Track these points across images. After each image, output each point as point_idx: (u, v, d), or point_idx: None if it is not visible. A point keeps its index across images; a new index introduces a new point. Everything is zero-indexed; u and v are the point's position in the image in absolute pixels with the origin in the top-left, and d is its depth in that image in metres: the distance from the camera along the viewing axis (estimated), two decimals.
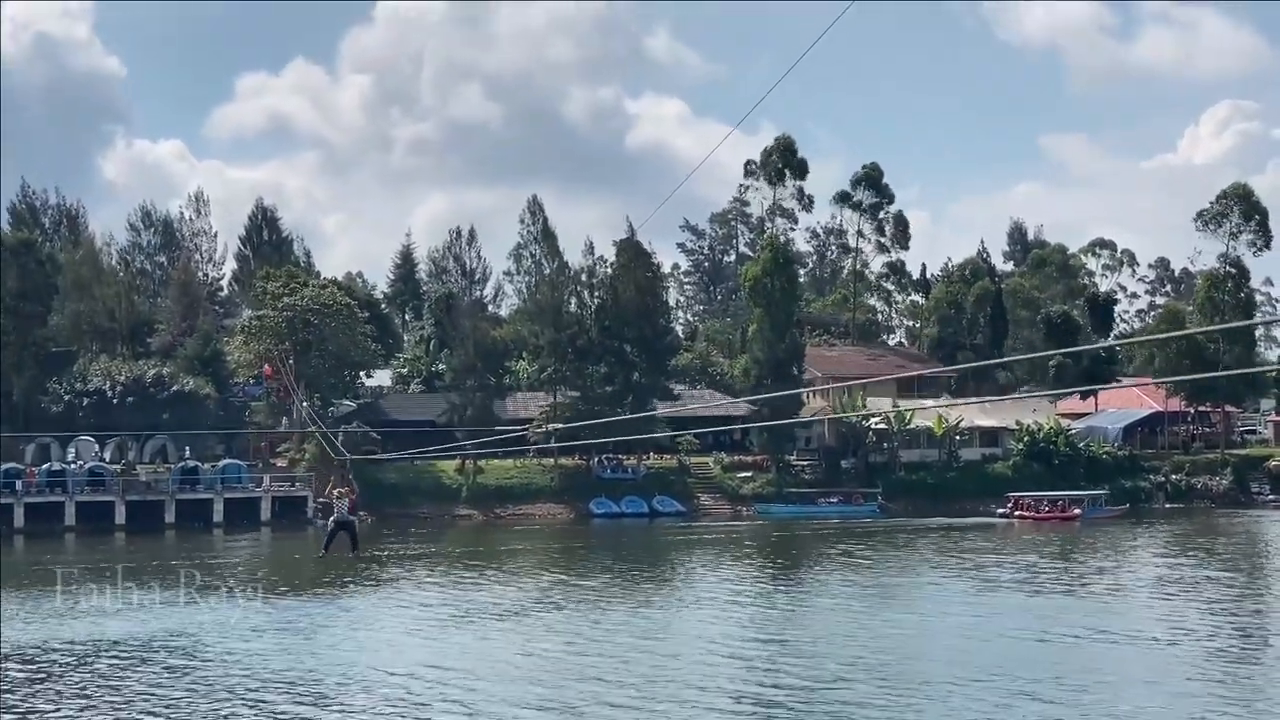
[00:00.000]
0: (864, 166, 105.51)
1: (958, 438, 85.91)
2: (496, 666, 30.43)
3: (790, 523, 72.84)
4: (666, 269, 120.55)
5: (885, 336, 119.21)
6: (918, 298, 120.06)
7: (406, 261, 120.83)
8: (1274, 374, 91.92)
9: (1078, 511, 73.63)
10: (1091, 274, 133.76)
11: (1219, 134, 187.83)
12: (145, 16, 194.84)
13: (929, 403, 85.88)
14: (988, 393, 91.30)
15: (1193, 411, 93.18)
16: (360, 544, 34.62)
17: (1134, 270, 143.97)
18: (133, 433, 74.96)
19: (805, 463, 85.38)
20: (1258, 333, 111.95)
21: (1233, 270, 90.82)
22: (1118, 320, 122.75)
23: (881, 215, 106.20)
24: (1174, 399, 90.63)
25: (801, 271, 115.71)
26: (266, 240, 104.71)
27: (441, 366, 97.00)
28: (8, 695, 27.37)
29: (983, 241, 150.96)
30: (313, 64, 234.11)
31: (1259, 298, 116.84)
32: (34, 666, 30.43)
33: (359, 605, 41.10)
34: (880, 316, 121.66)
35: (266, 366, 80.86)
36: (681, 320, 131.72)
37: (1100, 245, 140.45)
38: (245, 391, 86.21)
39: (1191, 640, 33.71)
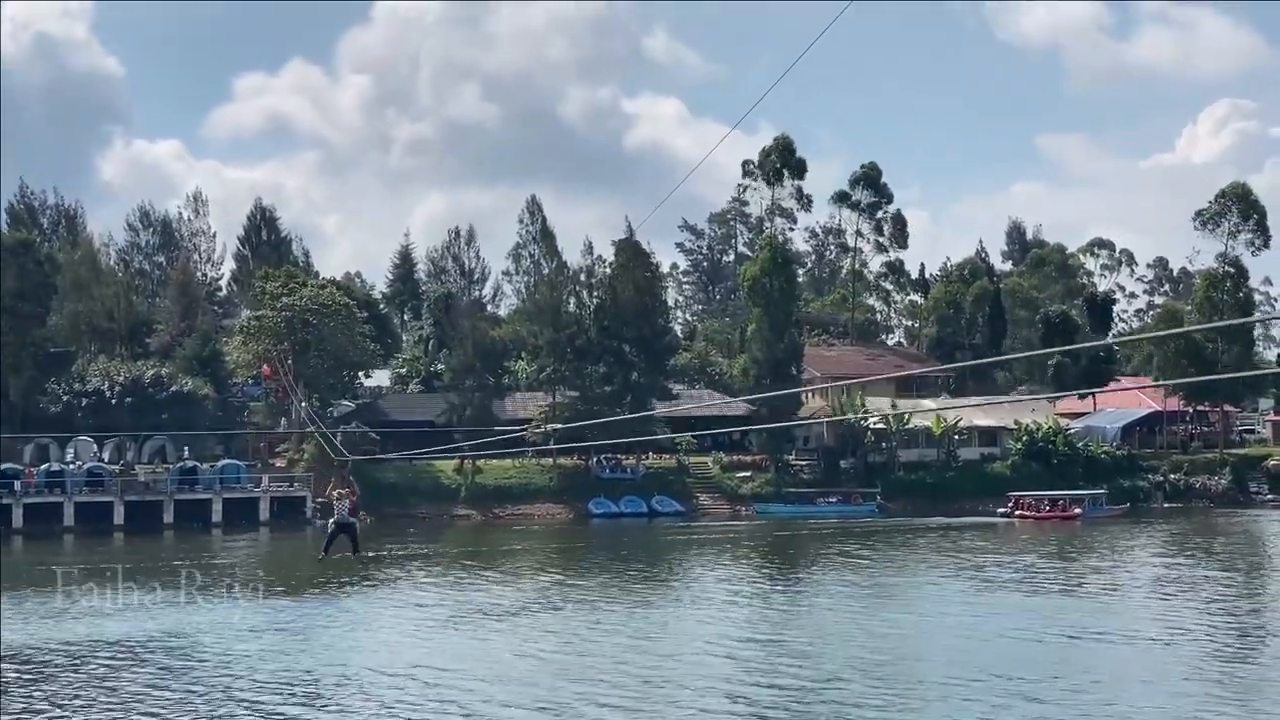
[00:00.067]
0: (862, 166, 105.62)
1: (956, 437, 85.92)
2: (494, 667, 30.42)
3: (789, 523, 72.84)
4: (665, 269, 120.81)
5: (884, 336, 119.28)
6: (916, 297, 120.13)
7: (405, 261, 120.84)
8: (1272, 374, 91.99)
9: (1078, 511, 73.66)
10: (1090, 274, 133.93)
11: (1217, 133, 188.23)
12: (144, 17, 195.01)
13: (928, 403, 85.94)
14: (986, 392, 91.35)
15: (1191, 411, 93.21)
16: (360, 545, 34.46)
17: (1132, 270, 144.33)
18: (132, 434, 74.87)
19: (804, 463, 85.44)
20: (1256, 332, 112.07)
21: (1231, 269, 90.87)
22: (1116, 320, 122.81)
23: (880, 215, 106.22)
24: (1172, 399, 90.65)
25: (800, 271, 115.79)
26: (265, 240, 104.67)
27: (440, 366, 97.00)
28: (8, 695, 27.36)
29: (981, 241, 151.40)
30: (311, 64, 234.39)
31: (1257, 297, 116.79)
32: (34, 667, 30.41)
33: (357, 605, 41.08)
34: (879, 316, 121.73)
35: (265, 367, 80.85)
36: (680, 320, 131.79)
37: (1099, 245, 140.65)
38: (244, 392, 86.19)
39: (1189, 640, 33.72)
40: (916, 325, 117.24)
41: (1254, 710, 26.18)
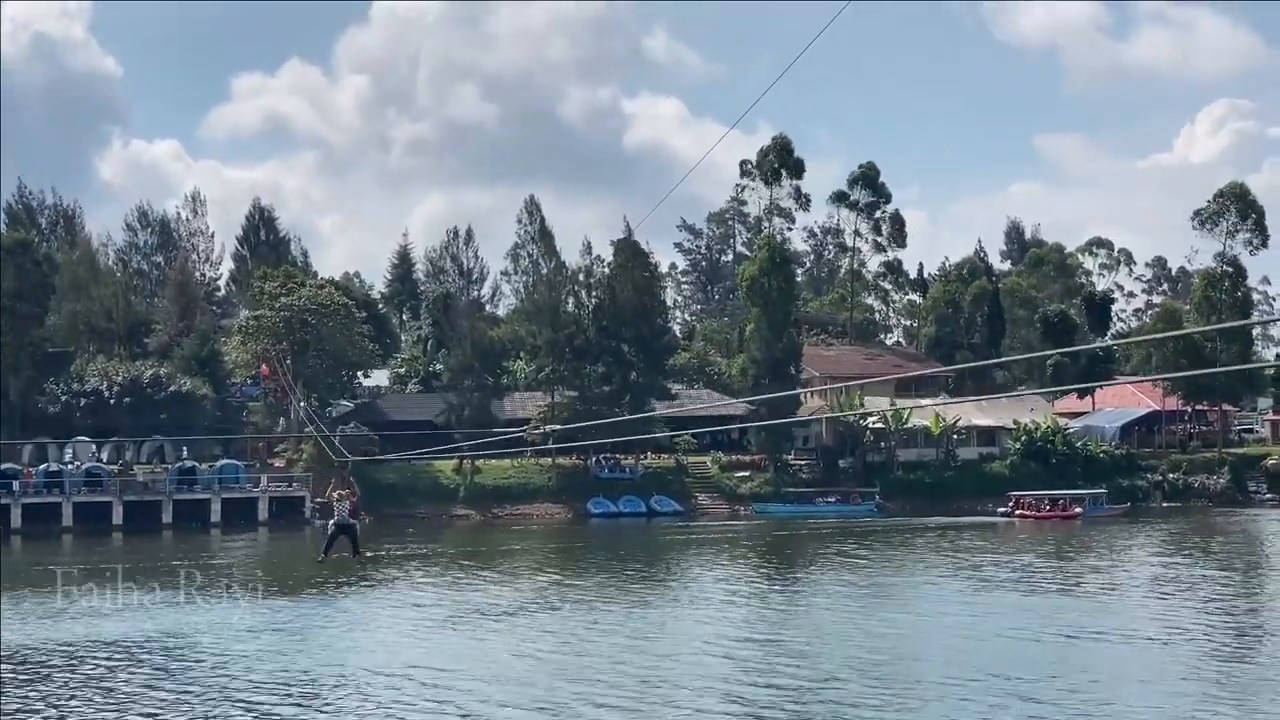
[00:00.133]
0: (860, 166, 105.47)
1: (955, 437, 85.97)
2: (492, 667, 30.44)
3: (788, 522, 72.85)
4: (664, 269, 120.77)
5: (883, 336, 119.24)
6: (915, 297, 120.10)
7: (404, 261, 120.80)
8: (1271, 372, 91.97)
9: (1079, 510, 73.69)
10: (1089, 273, 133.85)
11: (1215, 133, 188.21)
12: (142, 17, 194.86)
13: (926, 402, 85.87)
14: (985, 392, 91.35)
15: (1190, 410, 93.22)
16: (360, 546, 34.30)
17: (1131, 269, 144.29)
18: (132, 439, 74.84)
19: (803, 462, 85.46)
20: (1255, 332, 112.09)
21: (1229, 269, 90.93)
22: (1115, 319, 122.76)
23: (878, 215, 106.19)
24: (1171, 398, 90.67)
25: (799, 271, 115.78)
26: (264, 240, 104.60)
27: (439, 366, 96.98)
28: (8, 696, 27.36)
29: (980, 241, 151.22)
30: (309, 64, 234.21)
31: (1256, 296, 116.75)
32: (34, 667, 30.41)
33: (355, 606, 41.09)
34: (878, 316, 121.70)
35: (264, 366, 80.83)
36: (679, 320, 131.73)
37: (1097, 244, 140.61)
38: (243, 392, 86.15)
39: (1187, 639, 33.74)
40: (915, 325, 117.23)
41: (1251, 710, 26.21)
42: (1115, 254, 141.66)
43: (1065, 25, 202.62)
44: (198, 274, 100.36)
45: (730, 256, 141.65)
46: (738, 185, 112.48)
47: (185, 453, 75.15)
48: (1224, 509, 79.46)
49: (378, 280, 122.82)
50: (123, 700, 27.13)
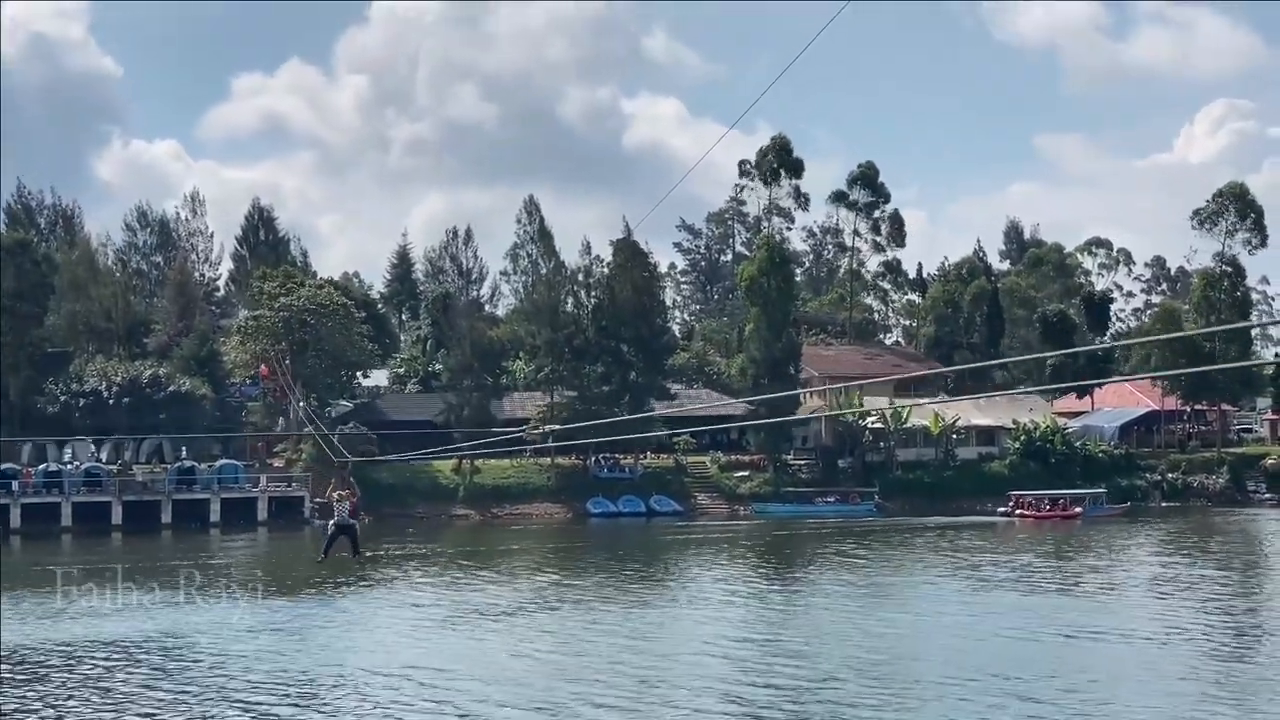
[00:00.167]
0: (859, 165, 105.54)
1: (954, 437, 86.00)
2: (490, 667, 30.44)
3: (787, 522, 72.87)
4: (663, 268, 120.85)
5: (882, 336, 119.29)
6: (914, 297, 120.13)
7: (403, 261, 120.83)
8: (1270, 372, 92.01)
9: (1079, 510, 73.73)
10: (1088, 273, 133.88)
11: (1214, 132, 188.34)
12: (141, 17, 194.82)
13: (925, 401, 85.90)
14: (984, 392, 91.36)
15: (1189, 410, 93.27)
16: (361, 547, 34.11)
17: (1130, 269, 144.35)
18: (131, 437, 74.83)
19: (802, 462, 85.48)
20: (1254, 332, 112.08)
21: (1229, 269, 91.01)
22: (1114, 319, 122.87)
23: (877, 214, 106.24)
24: (1170, 397, 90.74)
25: (798, 271, 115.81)
26: (263, 240, 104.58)
27: (438, 366, 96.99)
28: (7, 696, 27.36)
29: (979, 241, 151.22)
30: (308, 64, 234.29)
31: (1255, 296, 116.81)
32: (32, 667, 30.42)
33: (354, 606, 41.10)
34: (877, 315, 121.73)
35: (263, 366, 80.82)
36: (678, 320, 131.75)
37: (1096, 244, 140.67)
38: (242, 392, 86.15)
39: (1185, 639, 33.76)
40: (914, 324, 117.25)
41: (1249, 709, 26.21)
42: (1114, 254, 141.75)
43: (1064, 25, 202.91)
44: (197, 274, 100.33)
45: (729, 256, 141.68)
46: (737, 185, 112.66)
47: (184, 453, 75.16)
48: (1223, 509, 79.51)
49: (377, 280, 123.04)
50: (121, 700, 27.13)
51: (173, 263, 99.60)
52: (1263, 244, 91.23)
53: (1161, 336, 68.59)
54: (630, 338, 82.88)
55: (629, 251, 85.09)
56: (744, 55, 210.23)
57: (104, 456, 74.29)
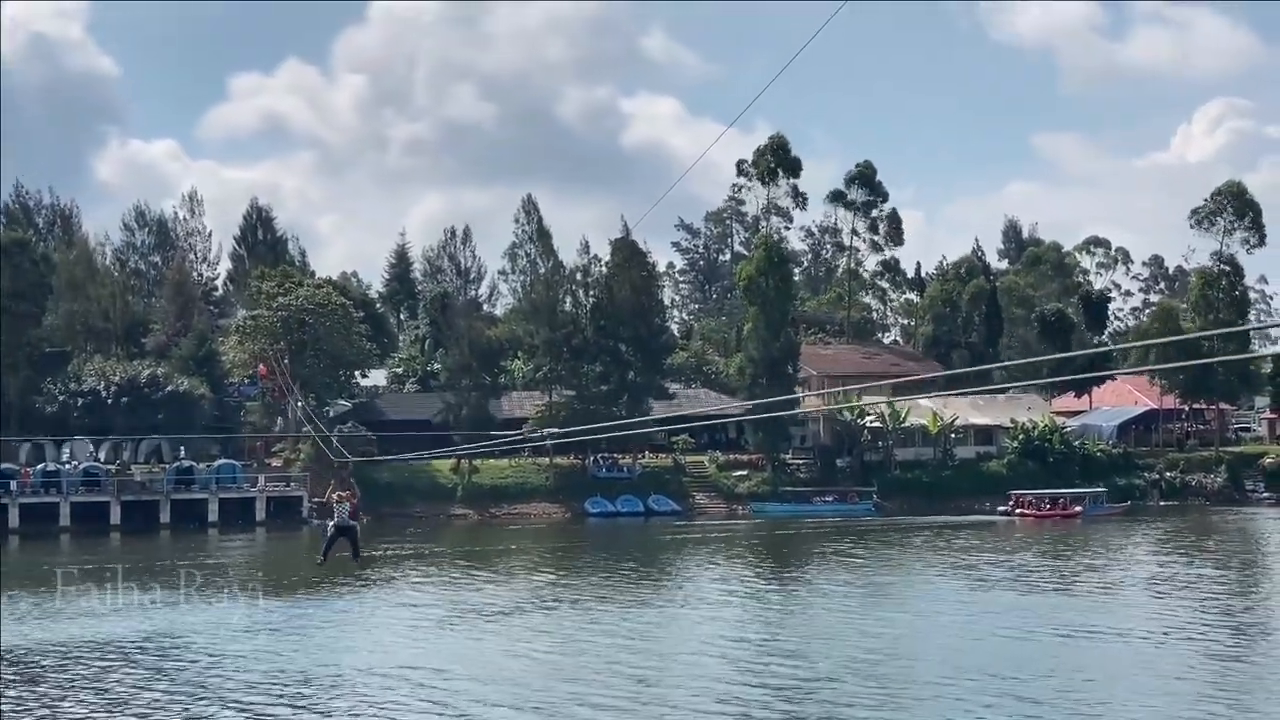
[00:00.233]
0: (857, 165, 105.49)
1: (953, 436, 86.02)
2: (488, 667, 30.46)
3: (786, 521, 72.89)
4: (662, 268, 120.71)
5: (880, 335, 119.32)
6: (912, 296, 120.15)
7: (401, 261, 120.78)
8: (1268, 371, 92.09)
9: (1079, 509, 73.78)
10: (1086, 272, 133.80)
11: (1212, 132, 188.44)
12: (140, 17, 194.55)
13: (924, 400, 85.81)
14: (982, 390, 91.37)
15: (1187, 409, 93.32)
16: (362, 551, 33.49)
17: (1128, 268, 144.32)
18: (130, 438, 74.81)
19: (800, 461, 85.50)
20: (1252, 332, 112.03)
21: (1226, 268, 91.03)
22: (1112, 318, 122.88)
23: (875, 214, 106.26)
24: (1168, 396, 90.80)
25: (796, 270, 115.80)
26: (261, 240, 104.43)
27: (437, 366, 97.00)
28: (6, 696, 27.36)
29: (977, 240, 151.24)
30: (307, 64, 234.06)
31: (1253, 295, 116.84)
32: (32, 667, 30.43)
33: (352, 606, 41.13)
34: (875, 315, 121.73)
35: (261, 366, 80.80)
36: (677, 319, 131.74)
37: (1095, 243, 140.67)
38: (240, 391, 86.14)
39: (1182, 638, 33.81)
40: (912, 324, 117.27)
41: (1246, 708, 26.25)
42: (1112, 253, 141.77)
43: (1061, 25, 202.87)
44: (195, 274, 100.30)
45: (728, 256, 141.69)
46: (735, 185, 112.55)
47: (183, 452, 75.12)
48: (1221, 507, 79.58)
49: (375, 280, 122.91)
50: (118, 700, 27.17)
51: (171, 262, 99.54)
52: (1261, 243, 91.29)
53: (1159, 341, 68.63)
54: (629, 337, 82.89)
55: (627, 251, 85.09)
56: (742, 55, 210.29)
57: (102, 456, 74.25)
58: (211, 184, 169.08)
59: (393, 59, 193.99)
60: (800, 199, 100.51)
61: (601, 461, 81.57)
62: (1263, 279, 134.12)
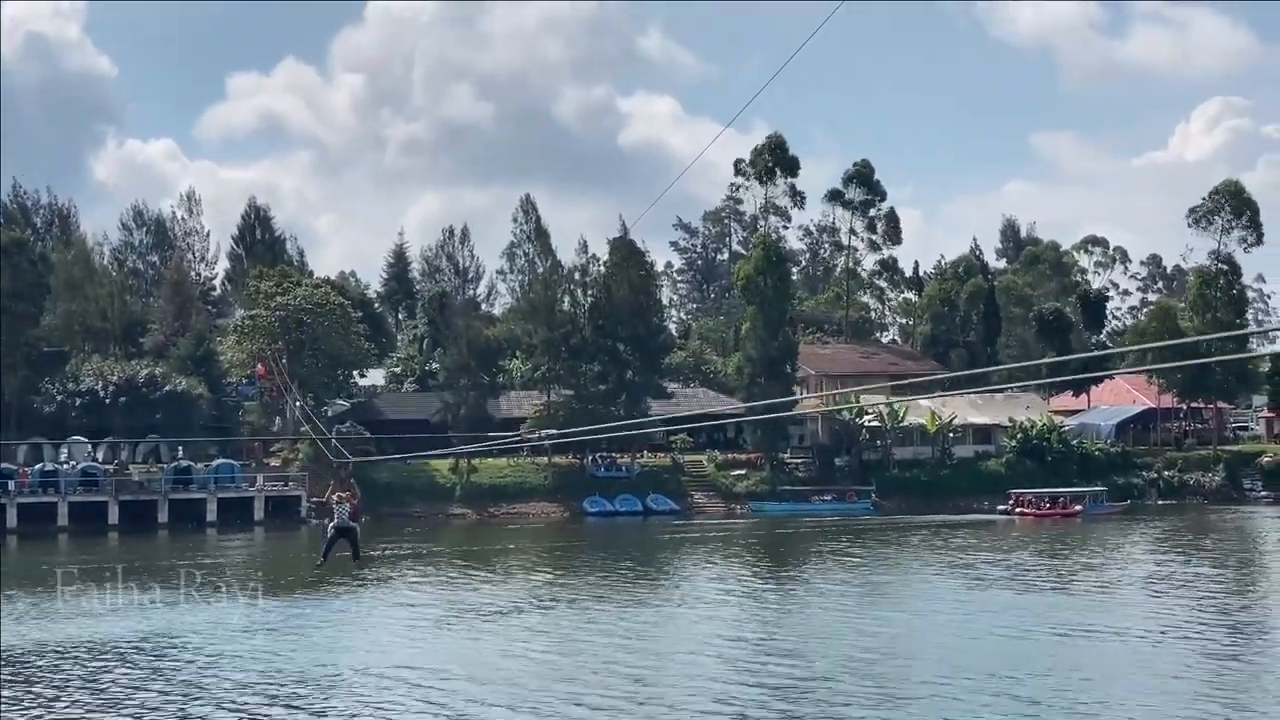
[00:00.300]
0: (855, 164, 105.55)
1: (951, 435, 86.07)
2: (485, 667, 30.46)
3: (784, 521, 72.92)
4: (660, 267, 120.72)
5: (878, 334, 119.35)
6: (911, 295, 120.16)
7: (399, 261, 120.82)
8: (1266, 370, 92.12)
9: (1079, 508, 73.84)
10: (1084, 271, 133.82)
11: (1209, 131, 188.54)
12: (137, 16, 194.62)
13: (923, 399, 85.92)
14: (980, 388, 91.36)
15: (1185, 408, 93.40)
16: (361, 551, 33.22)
17: (1126, 267, 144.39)
18: (128, 440, 74.76)
19: (799, 460, 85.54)
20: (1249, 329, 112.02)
21: (1224, 266, 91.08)
22: (1110, 317, 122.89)
23: (873, 213, 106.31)
24: (1166, 395, 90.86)
25: (794, 269, 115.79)
26: (259, 240, 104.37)
27: (435, 365, 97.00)
28: (6, 696, 27.40)
29: (975, 239, 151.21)
30: (304, 64, 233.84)
31: (1250, 294, 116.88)
32: (34, 667, 30.43)
33: (350, 606, 41.13)
34: (873, 314, 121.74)
35: (259, 366, 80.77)
36: (675, 318, 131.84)
37: (1093, 242, 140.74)
38: (238, 391, 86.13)
39: (1179, 637, 33.84)
40: (911, 323, 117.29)
41: (1243, 707, 26.27)
42: (1110, 252, 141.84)
43: (1059, 24, 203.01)
44: (193, 273, 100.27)
45: (726, 255, 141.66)
46: (732, 184, 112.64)
47: (181, 452, 75.08)
48: (1219, 506, 79.64)
49: (373, 279, 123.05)
50: (115, 700, 27.17)
51: (169, 262, 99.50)
52: (1258, 241, 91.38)
53: (1158, 344, 68.84)
54: (627, 336, 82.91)
55: (625, 250, 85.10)
56: (739, 54, 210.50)
57: (100, 456, 74.21)
58: (209, 184, 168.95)
59: (390, 59, 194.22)
60: (798, 198, 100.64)
61: (600, 461, 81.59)
62: (1260, 278, 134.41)
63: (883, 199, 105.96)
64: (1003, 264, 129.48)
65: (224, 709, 26.38)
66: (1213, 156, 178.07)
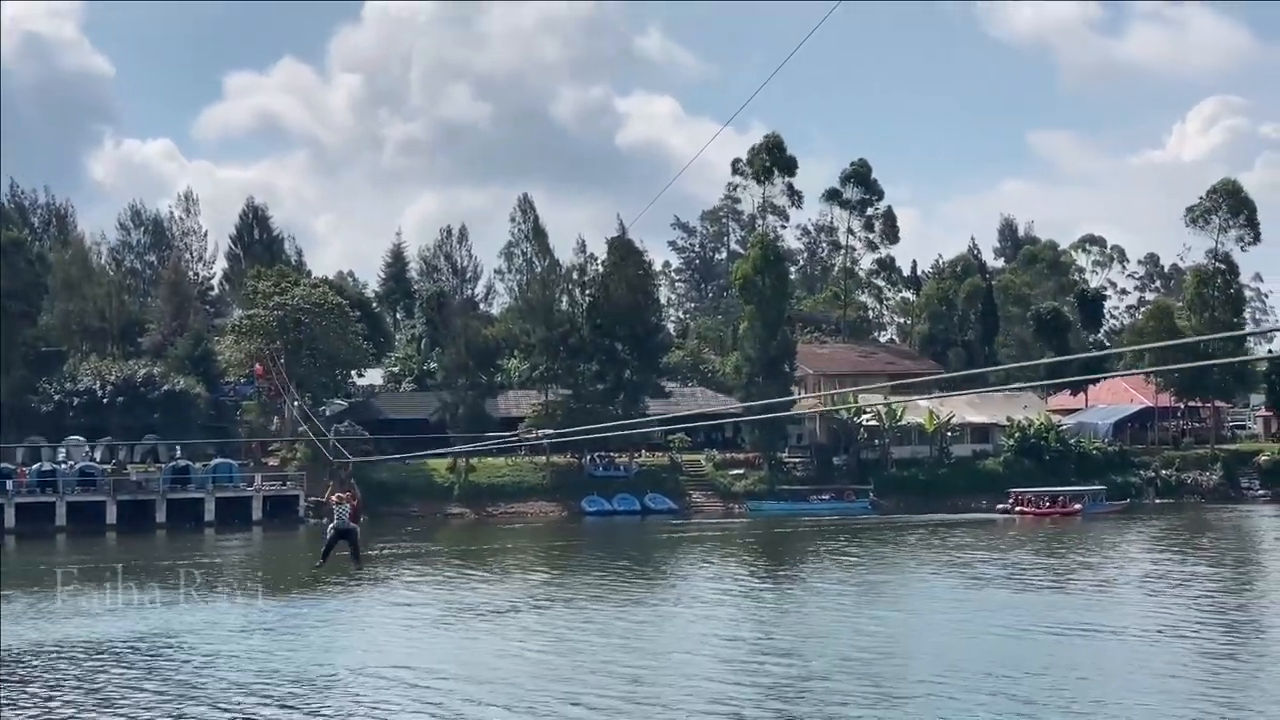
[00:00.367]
0: (852, 163, 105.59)
1: (949, 434, 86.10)
2: (482, 667, 30.48)
3: (782, 520, 72.94)
4: (658, 267, 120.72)
5: (876, 333, 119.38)
6: (909, 294, 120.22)
7: (397, 260, 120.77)
8: (1263, 369, 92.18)
9: (1078, 507, 73.88)
10: (1081, 270, 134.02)
11: (1207, 130, 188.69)
12: (134, 16, 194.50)
13: (922, 399, 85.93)
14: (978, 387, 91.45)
15: (1182, 407, 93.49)
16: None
17: (1124, 266, 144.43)
18: (126, 440, 74.73)
19: (797, 460, 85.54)
20: (1246, 328, 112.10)
21: (1221, 266, 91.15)
22: (1107, 316, 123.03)
23: (870, 212, 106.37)
24: (1164, 394, 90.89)
25: (792, 269, 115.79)
26: (257, 239, 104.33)
27: (433, 365, 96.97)
28: (5, 696, 27.41)
29: (973, 238, 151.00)
30: (302, 63, 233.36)
31: (1248, 293, 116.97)
32: (34, 667, 30.43)
33: (348, 606, 41.12)
34: (871, 313, 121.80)
35: (257, 366, 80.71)
36: (673, 318, 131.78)
37: (1090, 241, 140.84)
38: (236, 391, 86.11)
39: (1176, 636, 33.86)
40: (909, 322, 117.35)
41: (1239, 705, 26.30)
42: (1108, 251, 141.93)
43: (1057, 23, 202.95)
44: (191, 273, 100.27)
45: (724, 254, 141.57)
46: (730, 184, 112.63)
47: (179, 452, 75.05)
48: (1216, 505, 79.70)
49: (371, 279, 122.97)
50: (112, 700, 27.17)
51: (167, 262, 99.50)
52: (1255, 241, 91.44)
53: (1156, 345, 68.99)
54: (625, 336, 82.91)
55: (623, 250, 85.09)
56: (737, 54, 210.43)
57: (98, 456, 74.18)
58: (207, 183, 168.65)
59: (388, 59, 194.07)
60: (796, 198, 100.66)
61: (598, 460, 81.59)
62: (1258, 276, 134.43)
63: (880, 198, 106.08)
64: (1000, 263, 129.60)
65: (221, 708, 26.38)
66: (1210, 156, 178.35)
